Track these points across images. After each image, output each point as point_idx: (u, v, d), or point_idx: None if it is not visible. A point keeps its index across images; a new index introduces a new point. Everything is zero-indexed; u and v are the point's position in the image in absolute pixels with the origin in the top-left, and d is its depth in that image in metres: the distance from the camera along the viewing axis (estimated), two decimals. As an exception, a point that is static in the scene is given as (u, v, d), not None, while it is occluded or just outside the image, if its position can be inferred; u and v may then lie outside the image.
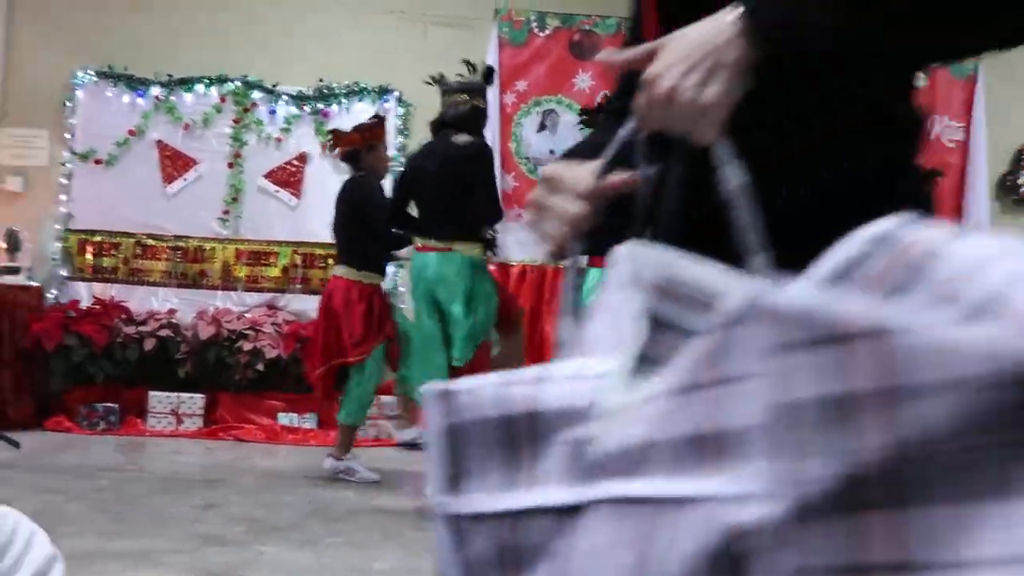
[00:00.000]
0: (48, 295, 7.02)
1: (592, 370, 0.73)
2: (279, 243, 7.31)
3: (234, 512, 4.25)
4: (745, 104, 0.89)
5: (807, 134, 0.99)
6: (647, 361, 0.71)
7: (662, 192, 1.01)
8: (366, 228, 5.19)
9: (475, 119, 4.93)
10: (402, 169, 5.44)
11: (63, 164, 7.20)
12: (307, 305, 6.99)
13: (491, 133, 6.62)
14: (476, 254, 4.85)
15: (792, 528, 0.52)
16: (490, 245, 5.02)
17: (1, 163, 7.26)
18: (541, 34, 7.45)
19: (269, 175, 7.33)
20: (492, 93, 5.91)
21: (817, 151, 0.99)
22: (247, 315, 7.04)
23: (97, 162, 7.21)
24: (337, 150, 5.53)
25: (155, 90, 7.27)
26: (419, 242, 4.93)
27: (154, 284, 7.24)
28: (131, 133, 7.24)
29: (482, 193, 4.76)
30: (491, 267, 5.60)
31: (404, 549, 3.78)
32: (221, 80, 7.31)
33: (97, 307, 6.92)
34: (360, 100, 7.38)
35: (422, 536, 3.94)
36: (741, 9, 0.89)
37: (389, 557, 3.67)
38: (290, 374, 6.69)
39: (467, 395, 0.76)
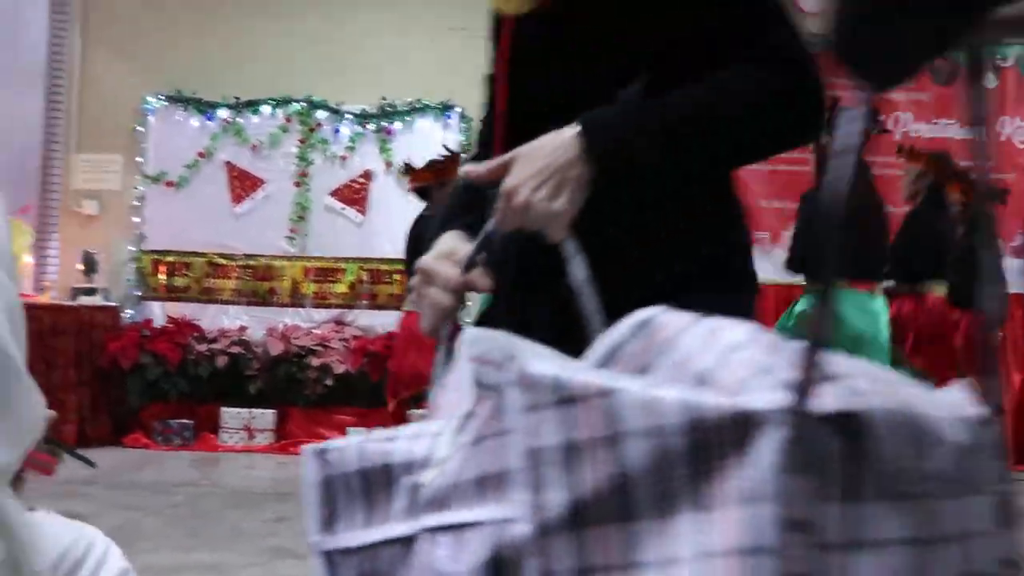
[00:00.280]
0: (124, 315, 7.21)
1: (430, 429, 0.90)
2: (346, 260, 7.41)
3: (305, 526, 4.30)
4: (587, 207, 1.10)
5: (643, 228, 1.19)
6: (472, 418, 0.85)
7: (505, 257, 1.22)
8: None
9: None
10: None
11: (136, 187, 7.40)
12: (374, 320, 7.09)
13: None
14: None
15: (539, 542, 0.69)
16: None
17: (77, 187, 7.49)
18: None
19: (335, 193, 7.45)
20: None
21: (654, 241, 1.19)
22: (316, 331, 7.14)
23: (168, 184, 7.39)
24: (409, 185, 5.59)
25: (223, 112, 7.43)
26: None
27: (225, 302, 7.39)
28: (200, 155, 7.41)
29: None
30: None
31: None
32: (286, 101, 7.45)
33: (171, 326, 7.08)
34: (422, 117, 7.47)
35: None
36: (579, 129, 1.10)
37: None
38: (358, 389, 6.77)
39: (336, 452, 0.94)
